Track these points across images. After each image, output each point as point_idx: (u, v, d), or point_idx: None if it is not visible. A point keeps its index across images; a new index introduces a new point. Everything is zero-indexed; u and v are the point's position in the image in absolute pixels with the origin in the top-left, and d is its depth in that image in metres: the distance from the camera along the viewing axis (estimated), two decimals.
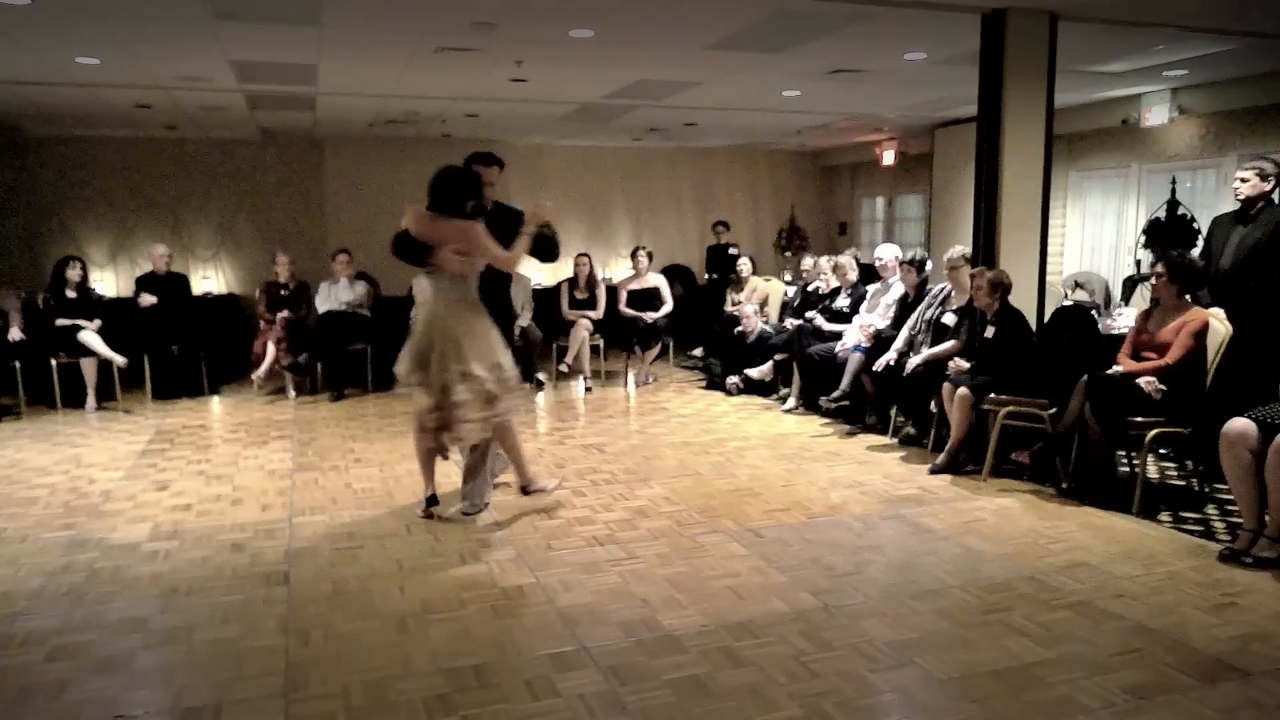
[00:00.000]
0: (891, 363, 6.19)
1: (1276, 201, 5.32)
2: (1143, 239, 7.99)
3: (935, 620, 3.38)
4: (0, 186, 9.98)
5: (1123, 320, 6.28)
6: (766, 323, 8.44)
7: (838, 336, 7.03)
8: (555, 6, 5.40)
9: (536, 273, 11.61)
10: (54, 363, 7.57)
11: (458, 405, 4.26)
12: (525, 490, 4.79)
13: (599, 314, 8.86)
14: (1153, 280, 4.91)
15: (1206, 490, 4.98)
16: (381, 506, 4.87)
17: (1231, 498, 4.17)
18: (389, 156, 11.15)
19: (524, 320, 8.69)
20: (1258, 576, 3.75)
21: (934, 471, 5.43)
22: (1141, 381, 4.67)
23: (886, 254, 7.05)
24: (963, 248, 6.12)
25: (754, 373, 8.01)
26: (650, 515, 4.69)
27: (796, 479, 5.38)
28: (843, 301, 7.47)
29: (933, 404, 5.79)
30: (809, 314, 7.63)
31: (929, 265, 6.79)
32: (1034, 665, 3.01)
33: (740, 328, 8.41)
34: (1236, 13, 5.67)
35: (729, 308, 9.03)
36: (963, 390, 5.35)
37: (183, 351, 8.28)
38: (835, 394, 6.70)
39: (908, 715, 2.80)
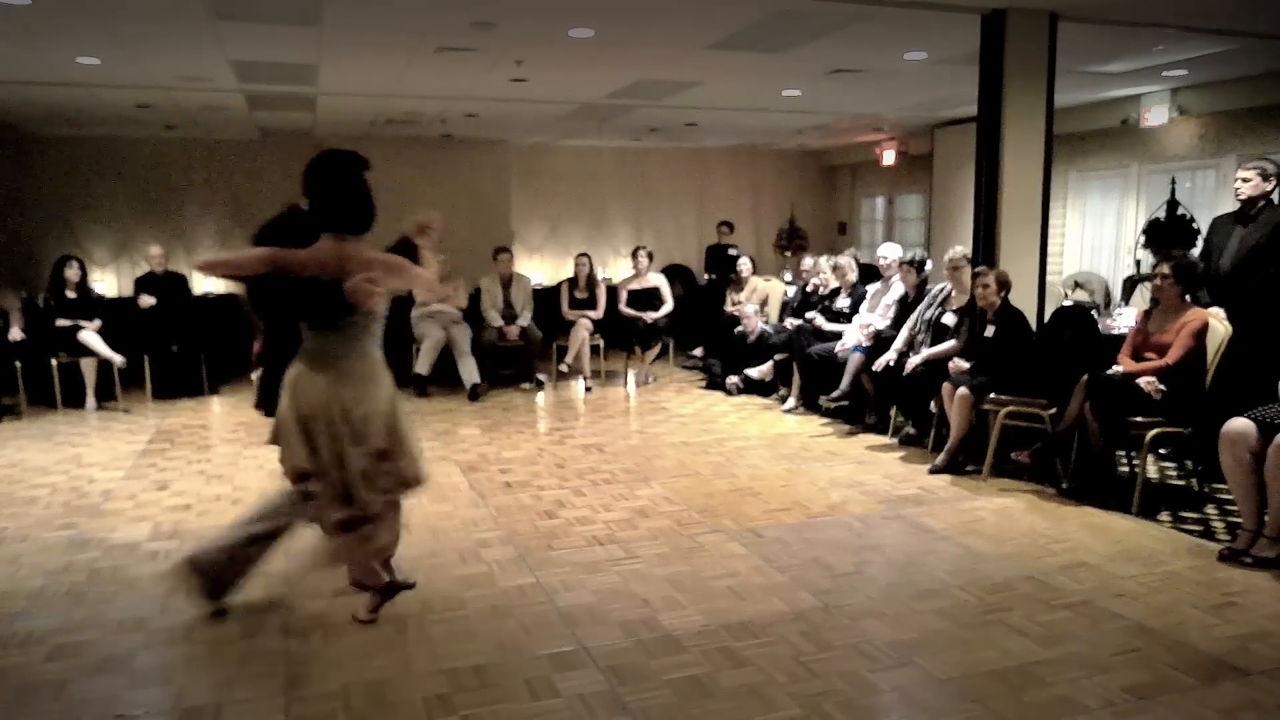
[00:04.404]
0: (891, 363, 6.19)
1: (1277, 202, 5.32)
2: (1142, 239, 7.99)
3: (935, 620, 3.38)
4: (0, 186, 9.98)
5: (1123, 320, 6.28)
6: (766, 323, 8.43)
7: (838, 336, 7.03)
8: (555, 6, 5.40)
9: (537, 273, 11.65)
10: (54, 363, 7.56)
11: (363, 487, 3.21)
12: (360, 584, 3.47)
13: (599, 314, 8.87)
14: (1156, 280, 4.91)
15: (1206, 490, 4.98)
16: None
17: (1231, 498, 4.18)
18: (389, 156, 11.13)
19: (524, 320, 8.72)
20: (1257, 576, 3.76)
21: (934, 471, 5.43)
22: (1141, 381, 4.67)
23: (890, 253, 7.05)
24: (963, 248, 6.12)
25: (754, 373, 8.01)
26: (650, 515, 4.69)
27: (796, 479, 5.38)
28: (843, 301, 7.47)
29: (933, 404, 5.79)
30: (809, 314, 7.63)
31: (929, 265, 6.80)
32: (1034, 665, 3.01)
33: (740, 328, 8.41)
34: (1236, 12, 5.66)
35: (729, 308, 9.02)
36: (963, 390, 5.35)
37: (182, 351, 8.28)
38: (835, 394, 6.70)
39: (908, 715, 2.80)
